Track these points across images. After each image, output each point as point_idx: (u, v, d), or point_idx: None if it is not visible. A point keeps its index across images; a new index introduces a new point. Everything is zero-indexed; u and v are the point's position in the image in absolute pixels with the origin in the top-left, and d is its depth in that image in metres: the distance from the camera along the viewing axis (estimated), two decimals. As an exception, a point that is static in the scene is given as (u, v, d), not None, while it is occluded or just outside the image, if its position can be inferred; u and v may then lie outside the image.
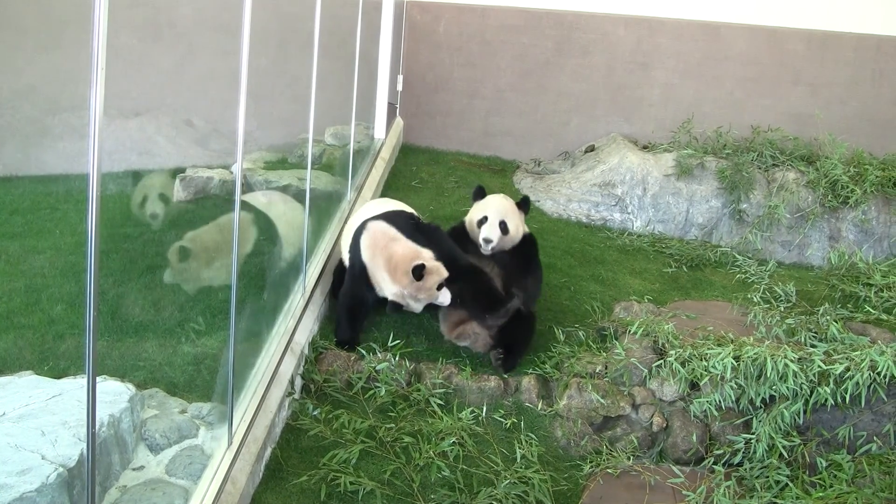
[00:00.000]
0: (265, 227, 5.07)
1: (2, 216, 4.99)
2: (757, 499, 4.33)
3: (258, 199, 5.09)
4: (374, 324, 5.55)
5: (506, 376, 5.12)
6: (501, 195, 5.89)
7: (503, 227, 5.57)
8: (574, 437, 4.80)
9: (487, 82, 10.15)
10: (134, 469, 3.61)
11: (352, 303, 5.39)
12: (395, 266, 5.08)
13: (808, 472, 4.56)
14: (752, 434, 4.72)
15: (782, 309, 6.12)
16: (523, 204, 5.85)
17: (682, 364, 4.94)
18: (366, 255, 5.27)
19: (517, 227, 5.68)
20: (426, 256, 5.12)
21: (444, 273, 5.10)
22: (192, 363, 4.22)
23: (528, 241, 5.79)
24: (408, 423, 4.67)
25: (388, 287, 5.14)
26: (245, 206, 4.71)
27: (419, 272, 4.96)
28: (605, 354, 5.27)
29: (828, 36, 9.32)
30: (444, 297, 5.13)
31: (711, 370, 4.83)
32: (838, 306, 6.23)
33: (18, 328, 4.19)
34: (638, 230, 8.53)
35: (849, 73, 9.36)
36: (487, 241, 5.52)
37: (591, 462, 4.66)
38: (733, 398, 4.83)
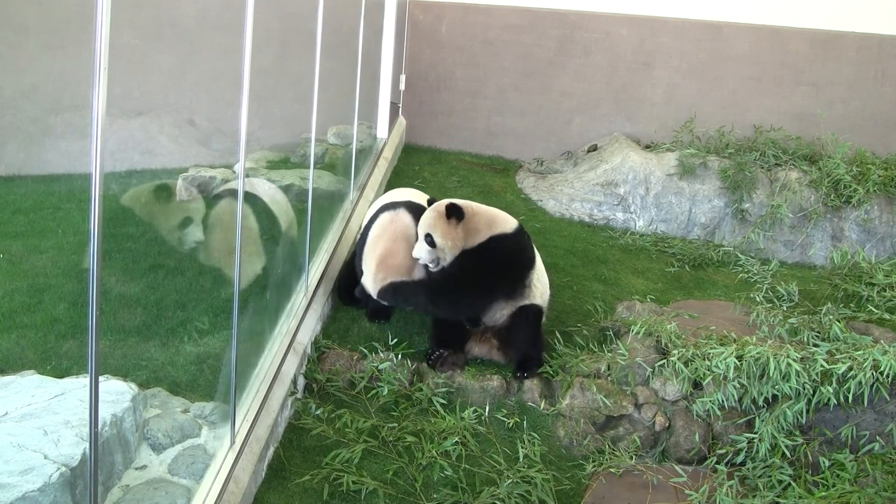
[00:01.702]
0: (269, 217, 5.13)
1: (4, 215, 5.01)
2: (759, 498, 4.32)
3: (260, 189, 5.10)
4: (377, 324, 5.55)
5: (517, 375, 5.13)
6: (434, 207, 5.19)
7: (429, 240, 5.05)
8: (576, 436, 4.80)
9: (490, 82, 10.15)
10: (136, 468, 3.61)
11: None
12: (383, 262, 5.16)
13: (810, 472, 4.55)
14: (755, 433, 4.72)
15: (785, 308, 6.12)
16: (451, 212, 5.08)
17: (685, 363, 4.93)
18: (374, 232, 5.30)
19: (445, 237, 5.02)
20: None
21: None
22: (195, 363, 4.22)
23: (476, 251, 5.15)
24: (410, 422, 4.67)
25: (367, 276, 5.23)
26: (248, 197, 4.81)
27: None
28: (608, 354, 5.27)
29: (830, 35, 9.30)
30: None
31: (714, 370, 4.83)
32: (841, 306, 6.22)
33: (21, 327, 4.20)
34: (640, 230, 8.52)
35: (851, 72, 9.35)
36: (418, 259, 5.16)
37: (593, 461, 4.65)
38: (736, 398, 4.82)
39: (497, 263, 5.19)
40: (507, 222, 5.29)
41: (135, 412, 3.65)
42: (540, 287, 5.34)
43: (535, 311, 5.27)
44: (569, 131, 10.04)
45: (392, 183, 8.65)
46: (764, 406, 4.83)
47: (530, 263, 5.31)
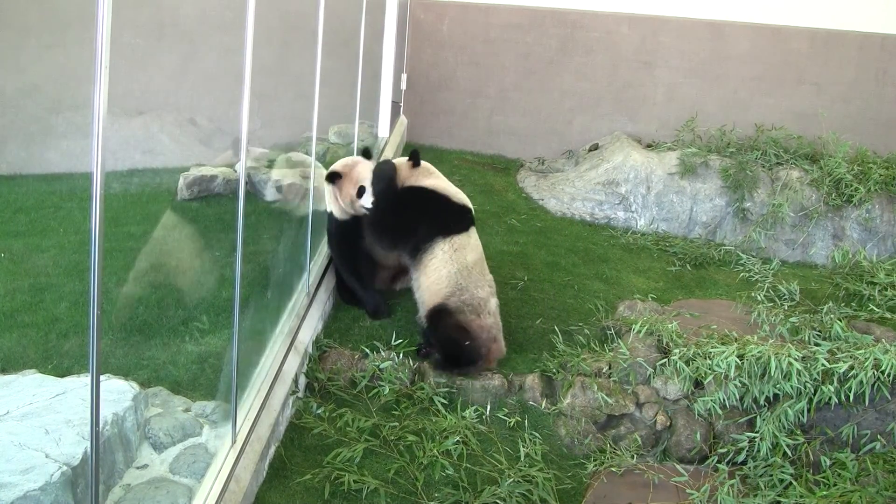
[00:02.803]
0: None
1: (6, 214, 5.01)
2: (760, 497, 4.32)
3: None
4: (379, 323, 5.55)
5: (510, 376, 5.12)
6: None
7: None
8: (578, 435, 4.80)
9: (491, 81, 10.15)
10: (138, 467, 3.61)
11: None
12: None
13: (811, 471, 4.55)
14: (756, 433, 4.72)
15: (786, 307, 6.11)
16: (412, 155, 5.66)
17: (686, 363, 4.93)
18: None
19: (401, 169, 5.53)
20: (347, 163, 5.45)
21: (360, 178, 5.35)
22: (196, 362, 4.23)
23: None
24: (411, 421, 4.67)
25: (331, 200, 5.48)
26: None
27: (333, 177, 5.35)
28: (609, 353, 5.27)
29: (831, 35, 9.29)
30: (366, 202, 5.33)
31: (715, 369, 4.82)
32: (842, 305, 6.22)
33: (22, 327, 4.20)
34: (642, 229, 8.52)
35: (852, 71, 9.34)
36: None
37: (594, 460, 4.65)
38: (737, 397, 4.82)
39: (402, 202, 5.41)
40: (456, 194, 5.50)
41: (136, 411, 3.65)
42: (437, 266, 5.22)
43: (434, 312, 5.18)
44: (570, 130, 10.04)
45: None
46: (765, 405, 4.83)
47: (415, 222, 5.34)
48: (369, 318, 5.59)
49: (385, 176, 5.31)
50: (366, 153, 5.60)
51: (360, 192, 5.32)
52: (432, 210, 5.35)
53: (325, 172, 5.41)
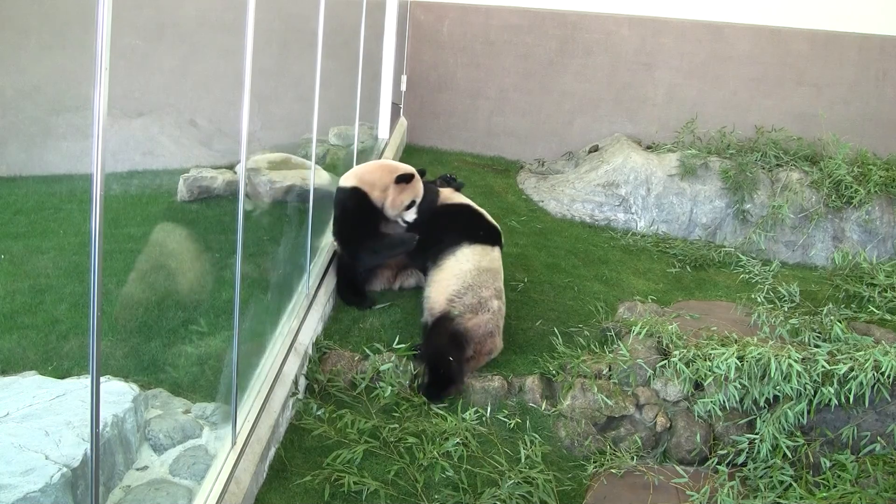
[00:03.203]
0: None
1: (6, 216, 5.01)
2: (760, 499, 4.32)
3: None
4: (379, 325, 5.55)
5: (510, 378, 5.12)
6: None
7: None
8: (578, 437, 4.80)
9: (491, 82, 10.15)
10: (138, 469, 3.61)
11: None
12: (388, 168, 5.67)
13: (811, 473, 4.55)
14: (756, 434, 4.72)
15: (786, 309, 6.11)
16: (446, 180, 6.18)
17: (686, 364, 4.93)
18: None
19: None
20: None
21: (418, 192, 5.58)
22: (196, 363, 4.23)
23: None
24: (411, 423, 4.67)
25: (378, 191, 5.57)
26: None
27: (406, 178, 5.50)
28: (609, 355, 5.27)
29: (831, 36, 9.30)
30: (409, 216, 5.61)
31: (715, 370, 4.82)
32: (842, 306, 6.22)
33: (22, 328, 4.20)
34: (642, 230, 8.52)
35: (852, 73, 9.35)
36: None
37: (594, 462, 4.65)
38: (737, 398, 4.82)
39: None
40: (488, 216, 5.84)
41: (136, 413, 3.65)
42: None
43: (435, 321, 5.23)
44: (570, 132, 10.04)
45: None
46: (765, 407, 4.83)
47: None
48: (352, 293, 5.78)
49: (430, 199, 5.69)
50: (421, 172, 5.78)
51: (410, 205, 5.56)
52: (466, 221, 5.70)
53: (385, 168, 5.65)
